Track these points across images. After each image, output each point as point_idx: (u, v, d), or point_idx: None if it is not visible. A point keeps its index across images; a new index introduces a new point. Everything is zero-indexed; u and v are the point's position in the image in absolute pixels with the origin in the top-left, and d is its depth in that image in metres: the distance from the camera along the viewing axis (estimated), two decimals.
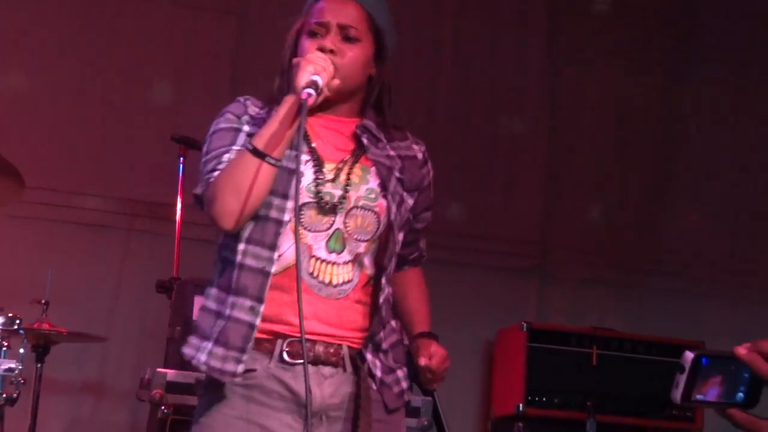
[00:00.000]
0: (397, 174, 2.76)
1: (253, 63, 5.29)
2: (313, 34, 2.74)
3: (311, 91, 2.56)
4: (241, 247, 2.66)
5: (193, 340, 2.69)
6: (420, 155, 2.86)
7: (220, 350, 2.63)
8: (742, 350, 1.62)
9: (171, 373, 4.01)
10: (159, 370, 4.04)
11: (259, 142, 2.60)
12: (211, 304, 2.69)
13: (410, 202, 2.80)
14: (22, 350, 3.67)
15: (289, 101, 2.62)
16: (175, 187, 4.61)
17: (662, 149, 5.84)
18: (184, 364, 4.10)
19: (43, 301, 4.27)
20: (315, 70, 2.59)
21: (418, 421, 4.13)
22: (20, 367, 3.61)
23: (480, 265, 5.47)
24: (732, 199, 5.83)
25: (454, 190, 5.11)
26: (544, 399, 4.98)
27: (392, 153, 2.79)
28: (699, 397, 1.65)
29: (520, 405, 4.97)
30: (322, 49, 2.68)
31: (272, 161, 2.60)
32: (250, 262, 2.66)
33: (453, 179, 4.78)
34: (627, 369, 5.05)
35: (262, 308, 2.61)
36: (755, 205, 5.84)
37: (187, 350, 2.69)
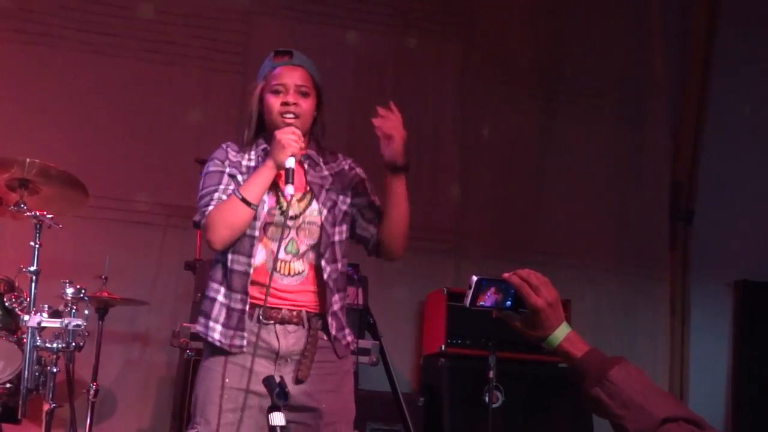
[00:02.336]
0: (327, 186, 2.79)
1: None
2: (276, 92, 2.76)
3: (290, 190, 2.62)
4: (230, 256, 2.69)
5: (203, 320, 2.72)
6: (347, 166, 2.89)
7: (226, 331, 2.66)
8: (506, 275, 1.87)
9: (194, 327, 3.97)
10: (185, 324, 4.04)
11: (247, 195, 2.61)
12: (214, 296, 2.72)
13: (347, 200, 2.82)
14: (86, 311, 3.63)
15: (268, 167, 2.67)
16: (197, 195, 4.56)
17: (540, 165, 5.86)
18: None
19: (103, 277, 4.25)
20: (293, 152, 2.65)
21: (369, 358, 4.13)
22: (85, 324, 3.57)
23: (414, 248, 5.44)
24: (588, 199, 5.86)
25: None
26: (459, 341, 4.99)
27: (325, 173, 2.83)
28: (480, 303, 1.85)
29: (443, 346, 4.98)
30: (286, 103, 2.72)
31: (254, 207, 2.64)
32: (236, 267, 2.69)
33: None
34: None
35: (248, 299, 2.65)
36: (601, 202, 5.88)
37: (200, 328, 2.73)
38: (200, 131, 5.30)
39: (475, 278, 1.84)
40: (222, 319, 2.69)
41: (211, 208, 2.70)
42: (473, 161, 5.77)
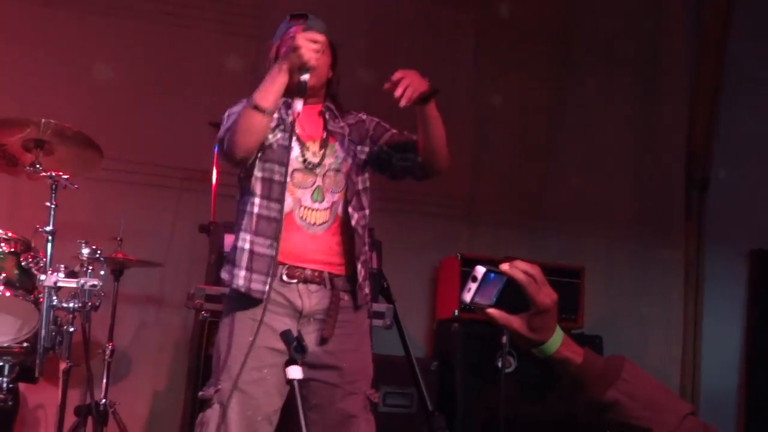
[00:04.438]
0: (348, 136, 2.80)
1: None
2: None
3: (306, 77, 2.57)
4: (257, 201, 2.67)
5: (227, 267, 2.71)
6: (362, 117, 2.92)
7: (251, 275, 2.65)
8: (505, 268, 1.62)
9: (208, 288, 4.01)
10: (200, 286, 4.04)
11: (258, 100, 2.60)
12: (241, 244, 2.70)
13: (365, 149, 2.84)
14: (102, 272, 3.64)
15: (281, 69, 2.61)
16: (212, 157, 4.58)
17: (554, 132, 5.82)
18: (218, 282, 4.11)
19: (118, 239, 4.25)
20: (308, 58, 2.58)
21: (383, 322, 4.14)
22: (101, 284, 3.59)
23: (429, 214, 5.46)
24: (603, 166, 5.82)
25: None
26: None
27: (343, 124, 2.83)
28: (477, 300, 1.58)
29: (456, 311, 4.98)
30: None
31: (268, 113, 2.63)
32: (264, 212, 2.67)
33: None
34: None
35: (277, 244, 2.63)
36: (616, 169, 5.84)
37: (224, 275, 2.73)
38: (215, 94, 5.27)
39: (482, 270, 1.57)
40: (245, 263, 2.68)
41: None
42: (487, 128, 5.74)
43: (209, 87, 5.29)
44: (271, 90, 2.60)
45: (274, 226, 2.67)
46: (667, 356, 5.69)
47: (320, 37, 2.58)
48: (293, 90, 2.60)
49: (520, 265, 1.63)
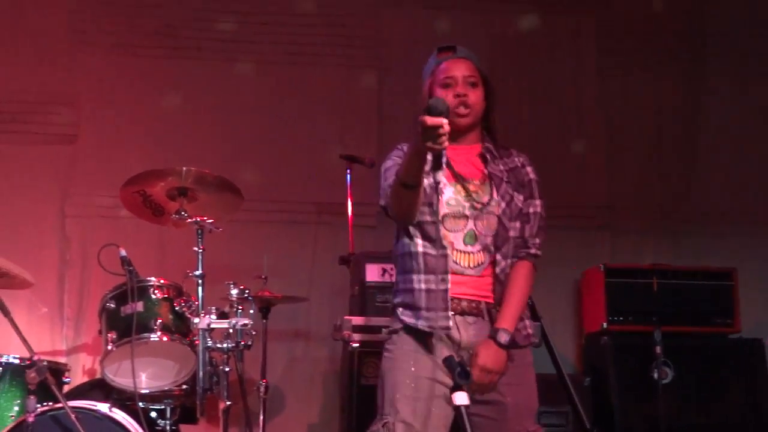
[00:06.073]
0: (505, 179, 2.76)
1: (391, 102, 5.32)
2: (445, 86, 2.80)
3: (441, 178, 2.54)
4: (419, 242, 2.70)
5: (407, 311, 2.72)
6: (519, 163, 2.87)
7: (431, 314, 2.66)
8: None
9: (355, 319, 4.03)
10: (346, 317, 4.07)
11: (405, 178, 2.60)
12: (411, 285, 2.73)
13: (520, 197, 2.79)
14: (251, 311, 3.72)
15: (418, 150, 2.51)
16: (345, 190, 4.63)
17: (690, 129, 5.63)
18: (364, 312, 4.15)
19: (263, 277, 4.34)
20: (434, 146, 2.45)
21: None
22: (251, 323, 3.66)
23: (566, 227, 5.33)
24: (747, 160, 5.57)
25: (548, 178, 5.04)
26: (621, 318, 4.86)
27: (502, 167, 2.80)
28: None
29: (604, 323, 4.85)
30: (457, 95, 2.74)
31: (413, 189, 2.61)
32: (430, 251, 2.69)
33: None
34: (679, 292, 4.87)
35: (449, 277, 2.64)
36: (763, 162, 5.58)
37: (406, 319, 2.72)
38: (341, 127, 5.36)
39: None
40: (424, 302, 2.69)
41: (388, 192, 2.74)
42: (619, 133, 5.60)
43: (337, 120, 5.38)
44: (411, 168, 2.60)
45: (442, 262, 2.69)
46: None
47: (444, 122, 2.43)
48: (434, 158, 2.55)
49: None
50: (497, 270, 2.72)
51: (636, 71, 5.63)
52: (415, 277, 2.73)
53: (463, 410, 2.26)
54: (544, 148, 5.16)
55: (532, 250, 2.81)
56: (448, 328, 2.67)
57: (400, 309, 2.76)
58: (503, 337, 2.66)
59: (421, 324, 2.69)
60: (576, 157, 5.51)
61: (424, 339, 2.70)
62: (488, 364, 2.63)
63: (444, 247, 2.68)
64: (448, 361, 2.34)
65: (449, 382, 2.45)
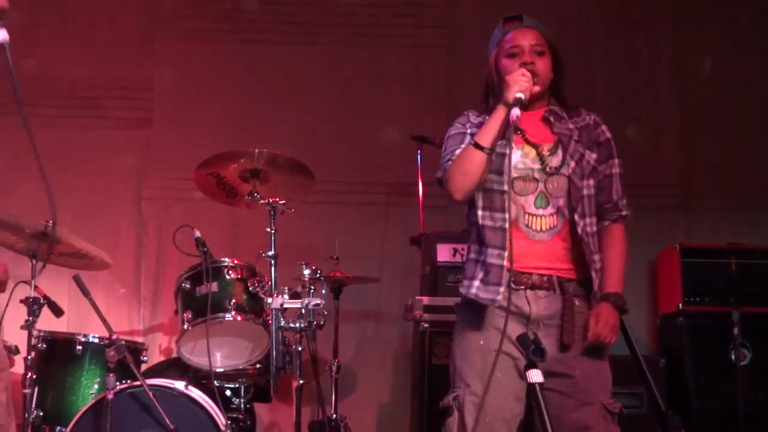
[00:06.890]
0: (575, 138, 2.72)
1: (461, 82, 5.28)
2: (511, 56, 2.76)
3: (517, 111, 2.54)
4: (480, 213, 2.68)
5: (464, 281, 2.72)
6: (591, 121, 2.82)
7: (483, 286, 2.65)
8: None
9: (426, 299, 4.04)
10: (417, 297, 4.08)
11: (479, 139, 2.60)
12: (473, 256, 2.72)
13: (593, 155, 2.75)
14: (323, 291, 3.75)
15: (499, 110, 2.60)
16: (416, 171, 4.62)
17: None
18: (435, 292, 4.15)
19: (334, 257, 4.37)
20: (520, 89, 2.60)
21: None
22: (323, 303, 3.69)
23: (640, 206, 5.18)
24: None
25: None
26: (697, 299, 4.76)
27: (571, 126, 2.77)
28: None
29: (680, 304, 4.76)
30: (524, 64, 2.68)
31: (486, 151, 2.60)
32: (488, 223, 2.67)
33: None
34: (758, 272, 4.75)
35: (506, 253, 2.62)
36: None
37: (461, 289, 2.73)
38: (412, 108, 5.35)
39: None
40: (480, 275, 2.69)
41: (449, 162, 2.71)
42: (694, 109, 5.48)
43: (407, 101, 5.37)
44: (490, 128, 2.61)
45: (500, 236, 2.66)
46: None
47: (526, 72, 2.63)
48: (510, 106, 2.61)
49: None
50: (579, 230, 2.68)
51: (715, 44, 5.50)
52: (473, 246, 2.73)
53: (537, 388, 2.25)
54: (616, 125, 5.05)
55: (624, 212, 2.81)
56: (494, 300, 2.64)
57: (465, 281, 2.75)
58: (618, 301, 2.67)
59: (470, 294, 2.68)
60: (650, 135, 5.40)
61: (489, 312, 2.68)
62: (610, 319, 2.64)
63: (504, 219, 2.65)
64: (521, 339, 2.33)
65: (516, 353, 2.47)
